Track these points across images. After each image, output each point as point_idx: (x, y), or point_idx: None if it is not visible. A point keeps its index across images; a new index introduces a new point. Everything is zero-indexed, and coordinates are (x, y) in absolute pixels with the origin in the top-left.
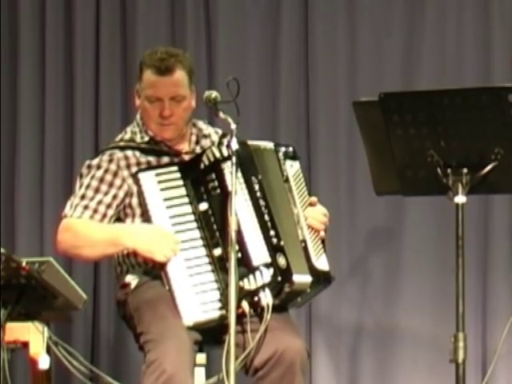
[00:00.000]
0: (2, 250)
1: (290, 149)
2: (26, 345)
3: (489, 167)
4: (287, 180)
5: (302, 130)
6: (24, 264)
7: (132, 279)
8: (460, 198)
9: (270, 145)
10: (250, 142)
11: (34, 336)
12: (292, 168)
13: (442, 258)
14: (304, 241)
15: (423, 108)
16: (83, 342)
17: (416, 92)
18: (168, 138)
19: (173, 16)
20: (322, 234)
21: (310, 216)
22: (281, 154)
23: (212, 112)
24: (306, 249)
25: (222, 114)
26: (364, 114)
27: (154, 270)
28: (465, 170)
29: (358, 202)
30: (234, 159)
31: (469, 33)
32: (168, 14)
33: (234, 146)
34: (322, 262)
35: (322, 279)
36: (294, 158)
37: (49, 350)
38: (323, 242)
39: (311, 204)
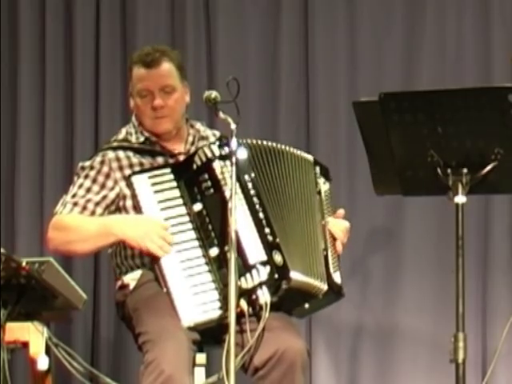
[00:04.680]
0: (2, 250)
1: (326, 170)
2: (25, 345)
3: (489, 167)
4: (319, 192)
5: (301, 129)
6: (24, 264)
7: (131, 280)
8: (460, 198)
9: (310, 157)
10: (288, 149)
11: (33, 336)
12: (324, 185)
13: (442, 258)
14: (326, 250)
15: (423, 108)
16: (83, 343)
17: (416, 92)
18: (164, 132)
19: (173, 16)
20: (340, 248)
21: (333, 223)
22: (317, 168)
23: (212, 112)
24: (326, 258)
25: (221, 114)
26: (364, 114)
27: (152, 271)
28: (465, 170)
29: (358, 202)
30: (234, 159)
31: (469, 33)
32: (168, 13)
33: (234, 145)
34: (336, 276)
35: (335, 290)
36: (326, 177)
37: (48, 351)
38: (338, 258)
39: (338, 215)
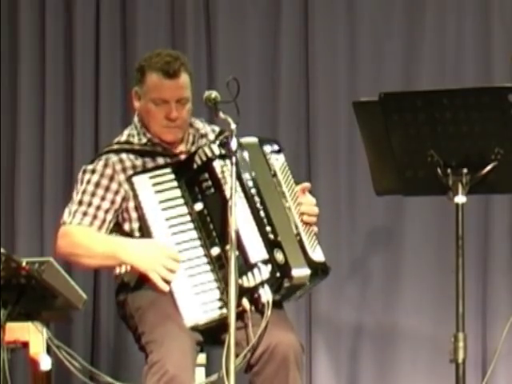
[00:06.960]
0: (2, 250)
1: (274, 143)
2: (26, 345)
3: (489, 167)
4: (275, 174)
5: (302, 130)
6: (24, 264)
7: (131, 278)
8: (460, 198)
9: (254, 140)
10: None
11: (33, 336)
12: (278, 162)
13: (442, 258)
14: (298, 234)
15: (423, 108)
16: (83, 342)
17: (416, 92)
18: (171, 141)
19: (173, 16)
20: (315, 228)
21: (304, 211)
22: (265, 149)
23: (212, 112)
24: (301, 242)
25: (221, 114)
26: (364, 114)
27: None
28: (465, 170)
29: (358, 202)
30: (234, 159)
31: (469, 33)
32: (168, 14)
33: (234, 145)
34: (317, 254)
35: (319, 271)
36: (278, 151)
37: (49, 351)
38: (315, 234)
39: (304, 190)
